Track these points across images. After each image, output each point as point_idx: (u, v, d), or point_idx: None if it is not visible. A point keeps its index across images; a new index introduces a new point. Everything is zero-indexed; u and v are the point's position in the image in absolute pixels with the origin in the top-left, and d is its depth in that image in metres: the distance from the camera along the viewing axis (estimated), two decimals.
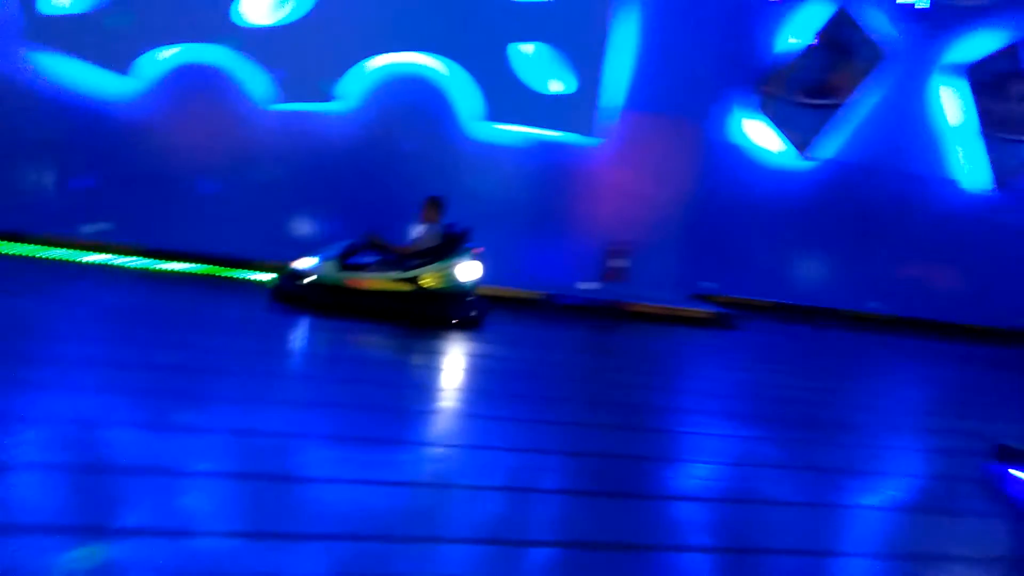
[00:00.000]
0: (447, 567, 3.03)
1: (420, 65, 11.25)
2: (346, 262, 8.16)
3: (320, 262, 8.13)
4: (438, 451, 4.40)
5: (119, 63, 10.37)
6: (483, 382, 6.28)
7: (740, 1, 12.60)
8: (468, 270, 8.35)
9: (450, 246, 8.35)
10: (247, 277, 9.95)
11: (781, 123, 12.99)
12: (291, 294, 8.13)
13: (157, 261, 9.96)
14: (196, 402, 4.62)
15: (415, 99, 11.25)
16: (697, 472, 4.61)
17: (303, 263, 8.22)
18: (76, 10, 10.28)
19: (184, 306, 8.04)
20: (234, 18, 10.56)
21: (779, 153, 13.14)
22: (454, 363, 6.99)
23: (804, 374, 8.77)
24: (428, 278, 8.21)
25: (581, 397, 6.22)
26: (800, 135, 13.08)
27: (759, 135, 13.09)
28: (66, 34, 10.20)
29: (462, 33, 11.12)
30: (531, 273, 11.70)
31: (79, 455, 3.62)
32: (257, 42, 10.61)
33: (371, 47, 10.98)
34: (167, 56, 10.51)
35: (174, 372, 5.22)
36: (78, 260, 9.61)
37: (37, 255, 9.49)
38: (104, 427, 4.04)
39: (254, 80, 10.76)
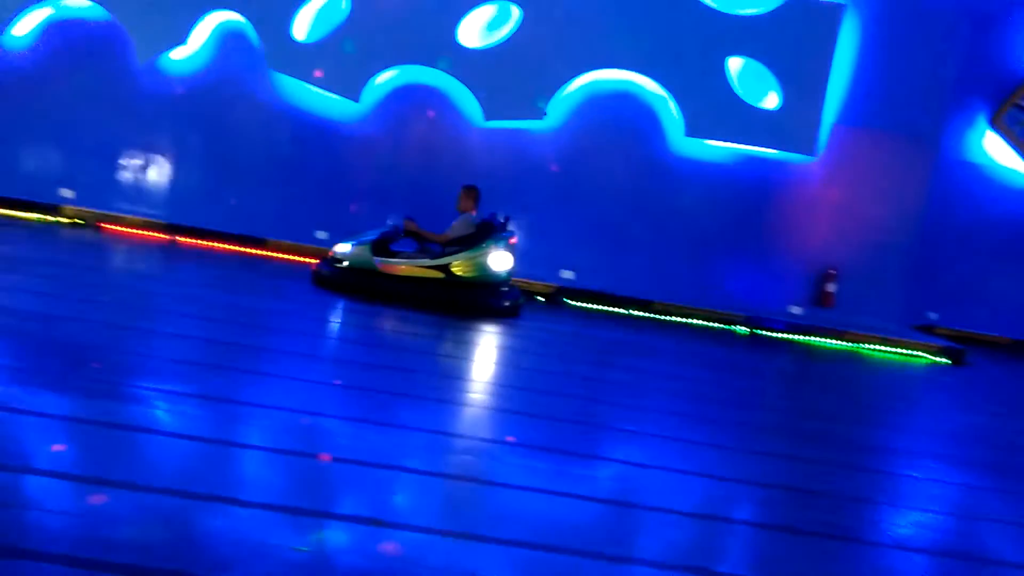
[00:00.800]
0: None
1: (628, 81, 11.25)
2: (384, 248, 8.29)
3: (353, 247, 8.31)
4: (634, 470, 4.35)
5: (350, 89, 11.20)
6: (681, 405, 6.14)
7: (982, 7, 11.55)
8: (501, 259, 8.21)
9: (484, 235, 8.23)
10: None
11: None
12: (328, 278, 8.38)
13: None
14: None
15: (622, 116, 11.27)
16: (909, 519, 4.25)
17: (340, 248, 8.44)
18: (312, 40, 11.23)
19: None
20: (457, 40, 11.08)
21: None
22: (646, 384, 6.88)
23: None
24: (459, 266, 8.15)
25: (787, 428, 5.93)
26: None
27: (1001, 153, 11.92)
28: (303, 61, 11.16)
29: (672, 48, 11.01)
30: (734, 294, 11.33)
31: (303, 443, 3.97)
32: (470, 63, 11.08)
33: (580, 65, 11.12)
34: (386, 79, 11.22)
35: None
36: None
37: (273, 256, 10.42)
38: (328, 419, 4.39)
39: (467, 99, 11.24)
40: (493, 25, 11.23)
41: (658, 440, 5.00)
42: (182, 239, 10.73)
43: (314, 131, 11.36)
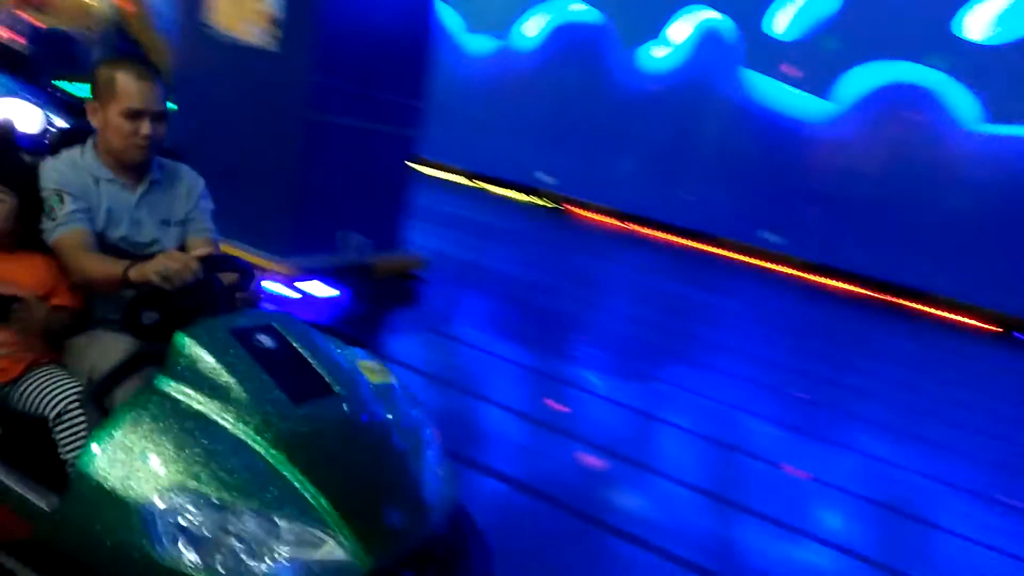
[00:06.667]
0: None
1: None
2: None
3: None
4: None
5: (822, 87, 10.53)
6: None
7: None
8: None
9: None
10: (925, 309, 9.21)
11: None
12: None
13: (823, 278, 9.94)
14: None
15: None
16: None
17: None
18: (791, 36, 10.78)
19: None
20: (955, 32, 9.75)
21: None
22: None
23: None
24: None
25: None
26: None
27: None
28: (777, 57, 10.78)
29: None
30: None
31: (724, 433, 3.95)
32: (971, 60, 9.63)
33: None
34: (866, 76, 10.29)
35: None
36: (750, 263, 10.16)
37: (718, 254, 10.35)
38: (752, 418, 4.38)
39: (963, 100, 9.80)
40: (1005, 19, 9.62)
41: None
42: (635, 227, 11.18)
43: (779, 130, 10.91)
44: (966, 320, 9.07)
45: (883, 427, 4.88)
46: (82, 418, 1.91)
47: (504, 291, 6.18)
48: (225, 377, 1.79)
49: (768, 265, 10.27)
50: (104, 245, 2.13)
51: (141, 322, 1.93)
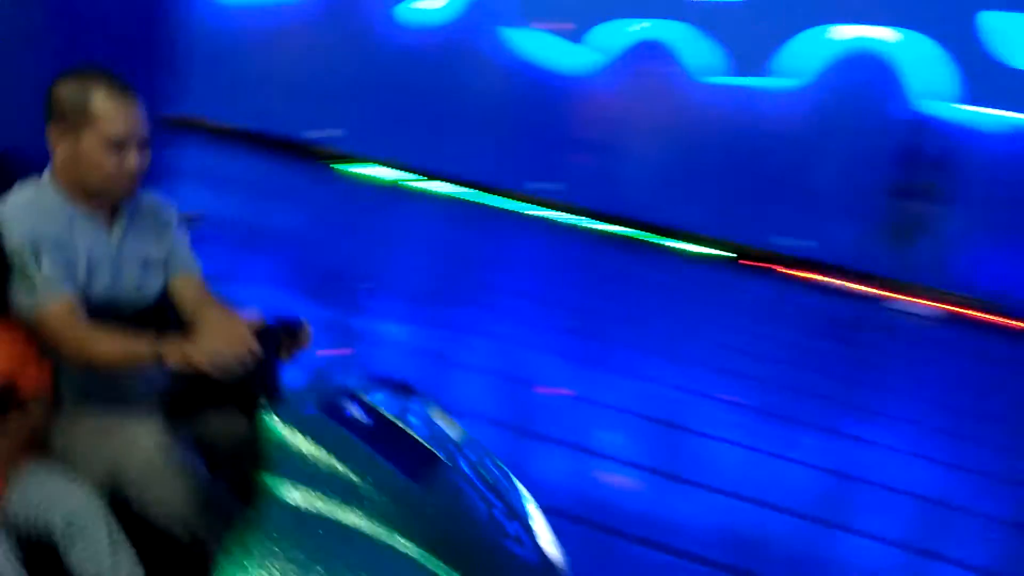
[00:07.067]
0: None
1: (868, 38, 10.13)
2: None
3: None
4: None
5: (580, 39, 10.99)
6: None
7: None
8: None
9: None
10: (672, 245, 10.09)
11: None
12: None
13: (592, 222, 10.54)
14: None
15: (858, 76, 10.17)
16: None
17: None
18: None
19: None
20: None
21: None
22: None
23: None
24: None
25: None
26: None
27: None
28: (538, 12, 11.11)
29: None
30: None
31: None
32: (708, 15, 10.50)
33: (820, 17, 10.17)
34: (634, 30, 10.90)
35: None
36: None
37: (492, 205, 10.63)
38: None
39: (698, 53, 10.66)
40: None
41: None
42: (409, 181, 11.18)
43: (541, 84, 11.29)
44: (707, 251, 10.11)
45: (645, 350, 5.31)
46: (104, 530, 1.54)
47: (273, 246, 5.96)
48: (338, 466, 1.53)
49: (541, 213, 10.69)
50: (87, 304, 1.70)
51: (183, 411, 1.62)
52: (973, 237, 9.38)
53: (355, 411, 1.65)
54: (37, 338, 1.61)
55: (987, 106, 9.89)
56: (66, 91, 1.70)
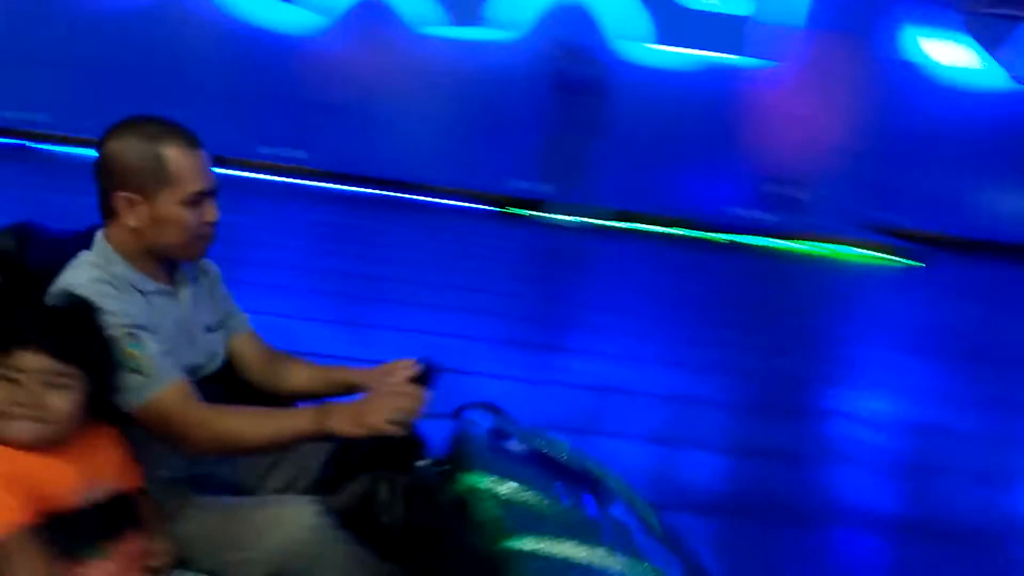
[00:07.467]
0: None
1: None
2: None
3: None
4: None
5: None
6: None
7: None
8: None
9: None
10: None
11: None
12: None
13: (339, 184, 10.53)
14: None
15: (565, 26, 10.97)
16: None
17: None
18: None
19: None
20: None
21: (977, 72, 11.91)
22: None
23: None
24: None
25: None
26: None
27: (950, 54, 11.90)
28: None
29: None
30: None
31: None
32: None
33: None
34: None
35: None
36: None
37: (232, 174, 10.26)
38: None
39: (414, 6, 10.87)
40: None
41: None
42: None
43: (266, 45, 10.99)
44: (467, 204, 10.50)
45: (416, 305, 5.56)
46: None
47: None
48: (551, 506, 1.37)
49: (282, 179, 10.51)
50: None
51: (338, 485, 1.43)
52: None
53: (510, 444, 1.50)
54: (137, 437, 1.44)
55: (673, 45, 11.13)
56: (129, 153, 1.50)
